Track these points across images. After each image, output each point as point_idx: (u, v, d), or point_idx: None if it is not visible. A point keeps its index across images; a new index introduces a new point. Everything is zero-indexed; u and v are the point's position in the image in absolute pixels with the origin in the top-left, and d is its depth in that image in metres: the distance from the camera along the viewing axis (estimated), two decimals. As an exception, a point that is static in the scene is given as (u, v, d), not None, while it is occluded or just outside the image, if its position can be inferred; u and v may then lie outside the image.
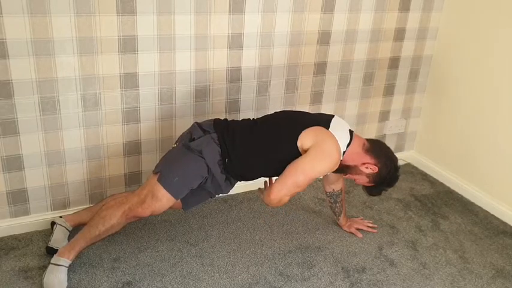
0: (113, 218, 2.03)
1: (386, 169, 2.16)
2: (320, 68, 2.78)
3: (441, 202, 2.93)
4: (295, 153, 2.06)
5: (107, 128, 2.37)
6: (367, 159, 2.15)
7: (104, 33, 2.17)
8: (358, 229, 2.55)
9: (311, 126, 2.08)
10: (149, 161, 2.54)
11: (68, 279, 2.07)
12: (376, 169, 2.15)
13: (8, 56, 2.04)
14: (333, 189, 2.44)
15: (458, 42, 2.95)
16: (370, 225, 2.61)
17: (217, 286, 2.13)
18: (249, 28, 2.48)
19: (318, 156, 2.02)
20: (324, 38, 2.71)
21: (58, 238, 2.23)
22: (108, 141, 2.40)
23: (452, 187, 3.08)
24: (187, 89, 2.47)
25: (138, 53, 2.28)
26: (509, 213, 2.75)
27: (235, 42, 2.48)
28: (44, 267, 2.15)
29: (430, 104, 3.23)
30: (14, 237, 2.34)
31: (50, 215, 2.41)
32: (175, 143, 2.23)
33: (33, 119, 2.20)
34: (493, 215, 2.82)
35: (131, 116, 2.40)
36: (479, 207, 2.89)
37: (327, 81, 2.85)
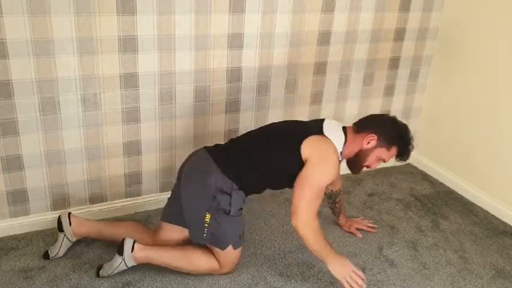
0: (200, 267, 2.14)
1: (384, 127, 2.13)
2: (320, 68, 2.78)
3: (441, 202, 2.93)
4: (299, 164, 2.04)
5: (107, 128, 2.37)
6: (362, 136, 2.11)
7: (104, 33, 2.17)
8: (358, 229, 2.55)
9: (308, 136, 2.06)
10: (149, 161, 2.54)
11: (68, 279, 2.08)
12: (374, 136, 2.09)
13: (8, 56, 2.04)
14: (331, 190, 2.42)
15: (458, 42, 2.95)
16: (370, 225, 2.60)
17: (217, 286, 2.13)
18: (249, 28, 2.48)
19: (318, 165, 2.02)
20: (324, 38, 2.71)
21: (60, 249, 2.21)
22: (108, 141, 2.40)
23: (452, 187, 3.08)
24: (187, 89, 2.47)
25: (138, 53, 2.28)
26: (509, 213, 2.75)
27: (235, 42, 2.48)
28: (43, 267, 2.15)
29: (430, 104, 3.23)
30: (14, 237, 2.34)
31: (50, 215, 2.41)
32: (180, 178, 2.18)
33: (33, 119, 2.20)
34: (493, 215, 2.82)
35: (131, 116, 2.40)
36: (479, 207, 2.89)
37: (327, 81, 2.84)
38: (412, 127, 3.27)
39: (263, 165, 2.10)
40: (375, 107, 3.09)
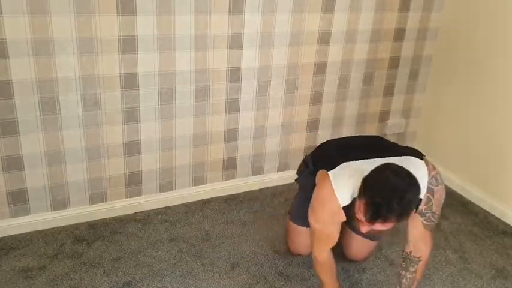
0: None
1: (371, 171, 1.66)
2: (320, 68, 2.78)
3: (441, 202, 2.93)
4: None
5: (107, 128, 2.37)
6: None
7: (104, 33, 2.17)
8: None
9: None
10: (149, 161, 2.54)
11: (68, 279, 2.09)
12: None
13: (8, 56, 2.04)
14: (410, 252, 1.95)
15: (458, 42, 2.95)
16: None
17: (217, 286, 2.13)
18: (249, 28, 2.48)
19: (312, 209, 1.89)
20: (324, 38, 2.71)
21: None
22: (108, 141, 2.40)
23: (453, 187, 3.08)
24: (187, 89, 2.47)
25: (138, 53, 2.28)
26: (509, 213, 2.75)
27: (235, 42, 2.48)
28: (43, 267, 2.15)
29: (430, 104, 3.23)
30: (14, 237, 2.34)
31: (50, 215, 2.41)
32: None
33: (33, 119, 2.20)
34: (493, 215, 2.82)
35: (131, 116, 2.40)
36: (479, 207, 2.89)
37: (327, 81, 2.84)
38: (412, 127, 3.31)
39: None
40: (375, 107, 3.09)
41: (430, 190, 1.81)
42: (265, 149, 2.85)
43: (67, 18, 2.08)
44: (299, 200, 2.26)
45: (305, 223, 2.03)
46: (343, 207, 1.79)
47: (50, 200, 2.40)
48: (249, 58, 2.55)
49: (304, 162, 2.17)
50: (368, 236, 2.14)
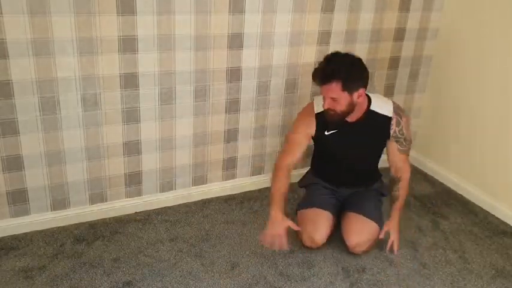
0: None
1: None
2: (320, 68, 2.78)
3: (441, 202, 2.93)
4: None
5: (107, 128, 2.37)
6: None
7: (104, 33, 2.17)
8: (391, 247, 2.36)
9: None
10: (149, 161, 2.54)
11: (68, 279, 2.09)
12: None
13: (8, 56, 2.04)
14: (393, 174, 2.41)
15: (458, 42, 2.95)
16: (395, 248, 2.36)
17: (217, 286, 2.13)
18: (249, 28, 2.48)
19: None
20: (324, 38, 2.71)
21: None
22: (108, 141, 2.40)
23: (452, 187, 3.08)
24: (187, 89, 2.47)
25: (138, 53, 2.28)
26: (509, 213, 2.75)
27: (235, 42, 2.48)
28: (43, 267, 2.15)
29: (430, 104, 3.23)
30: (14, 237, 2.34)
31: (50, 215, 2.41)
32: None
33: (33, 119, 2.20)
34: (493, 215, 2.82)
35: (131, 116, 2.40)
36: (479, 207, 2.89)
37: (327, 81, 2.84)
38: (412, 127, 3.29)
39: None
40: (375, 107, 3.09)
41: (397, 113, 2.29)
42: (265, 149, 2.85)
43: (67, 18, 2.08)
44: (305, 194, 2.59)
45: (311, 204, 2.39)
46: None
47: (50, 200, 2.40)
48: (249, 58, 2.55)
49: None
50: (361, 211, 2.36)
